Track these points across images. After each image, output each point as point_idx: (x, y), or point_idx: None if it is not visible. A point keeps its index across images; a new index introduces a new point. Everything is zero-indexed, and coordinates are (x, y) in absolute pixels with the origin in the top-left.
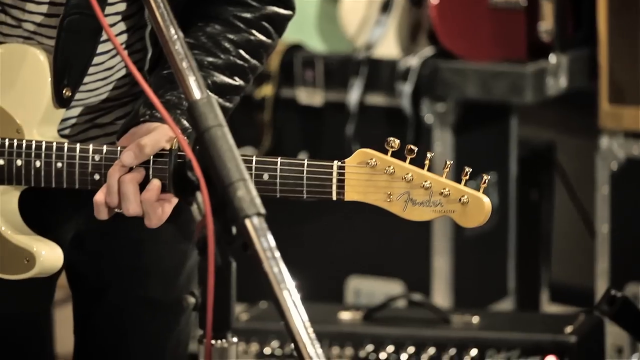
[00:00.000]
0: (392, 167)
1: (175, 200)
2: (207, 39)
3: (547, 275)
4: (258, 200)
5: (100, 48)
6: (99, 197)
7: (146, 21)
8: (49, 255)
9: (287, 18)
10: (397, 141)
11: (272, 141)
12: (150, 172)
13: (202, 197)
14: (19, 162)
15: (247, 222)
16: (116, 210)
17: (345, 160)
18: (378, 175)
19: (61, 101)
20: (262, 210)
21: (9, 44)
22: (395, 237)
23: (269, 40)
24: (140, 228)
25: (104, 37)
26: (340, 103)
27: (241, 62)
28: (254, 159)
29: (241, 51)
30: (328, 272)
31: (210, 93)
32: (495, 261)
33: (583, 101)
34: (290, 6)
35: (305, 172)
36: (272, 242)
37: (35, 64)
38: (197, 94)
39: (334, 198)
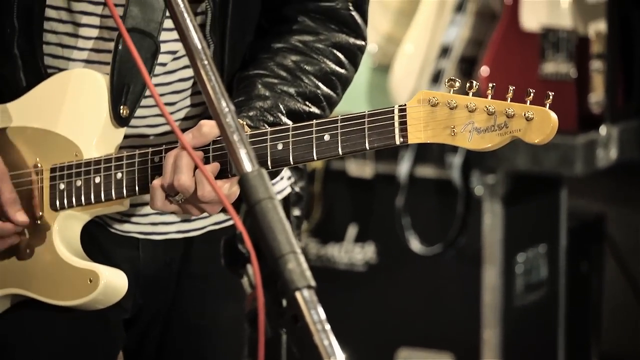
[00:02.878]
0: (453, 101)
1: (236, 189)
2: (279, 68)
3: (597, 347)
4: (308, 273)
5: (161, 69)
6: (156, 181)
7: (209, 43)
8: (113, 276)
9: (359, 48)
10: (458, 81)
11: (321, 213)
12: (210, 159)
13: (253, 269)
14: (78, 183)
15: (298, 294)
16: (171, 201)
17: (406, 102)
18: (440, 111)
19: (119, 120)
20: (313, 283)
21: (67, 70)
22: (444, 309)
23: (341, 70)
24: (200, 313)
25: (165, 59)
26: (390, 175)
27: (314, 89)
28: (314, 122)
29: (313, 79)
30: (378, 344)
31: (260, 167)
32: (545, 333)
33: (633, 172)
34: (361, 35)
35: (366, 122)
36: (323, 315)
37: (93, 86)
38: (248, 166)
39: (398, 142)
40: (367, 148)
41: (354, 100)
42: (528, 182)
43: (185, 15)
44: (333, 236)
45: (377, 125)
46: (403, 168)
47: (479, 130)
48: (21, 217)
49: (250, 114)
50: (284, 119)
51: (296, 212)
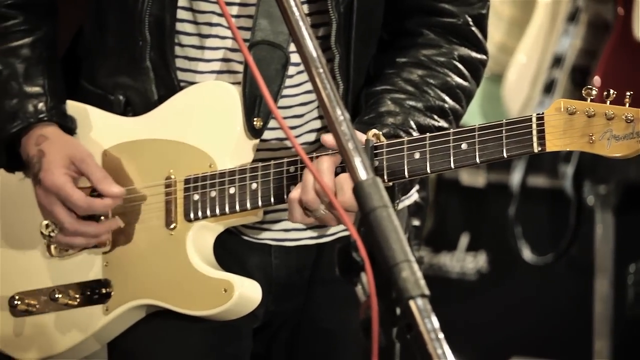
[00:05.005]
0: (591, 109)
1: None
2: (406, 83)
3: None
4: (422, 282)
5: (289, 81)
6: (293, 194)
7: (334, 54)
8: (248, 286)
9: (481, 61)
10: (595, 89)
11: (434, 221)
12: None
13: (367, 277)
14: (213, 194)
15: (412, 303)
16: (309, 213)
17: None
18: (577, 119)
19: (253, 132)
20: (427, 292)
21: (199, 83)
22: (556, 318)
23: (465, 83)
24: (330, 319)
25: (291, 71)
26: (503, 184)
27: (441, 103)
28: (451, 131)
29: (439, 92)
30: (489, 353)
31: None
32: None
33: None
34: (482, 49)
35: (504, 131)
36: (436, 324)
37: (226, 98)
38: (362, 174)
39: (536, 150)
40: (505, 156)
41: (468, 110)
42: None
43: (301, 23)
44: (445, 245)
45: (515, 133)
46: (515, 177)
47: (617, 138)
48: (116, 188)
49: (384, 131)
50: (415, 134)
51: (415, 222)
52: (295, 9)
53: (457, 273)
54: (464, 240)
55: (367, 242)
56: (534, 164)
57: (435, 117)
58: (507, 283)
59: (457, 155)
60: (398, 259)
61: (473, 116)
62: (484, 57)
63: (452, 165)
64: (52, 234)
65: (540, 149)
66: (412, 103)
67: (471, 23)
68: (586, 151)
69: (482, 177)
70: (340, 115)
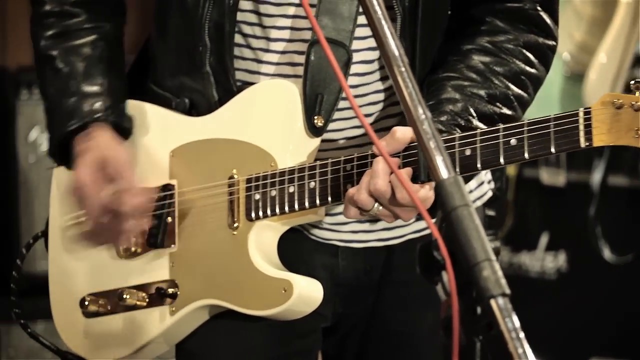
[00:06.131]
0: (638, 103)
1: (431, 194)
2: (469, 70)
3: None
4: (503, 281)
5: (358, 80)
6: (350, 191)
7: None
8: (308, 286)
9: (550, 47)
10: None
11: (513, 220)
12: (401, 166)
13: (448, 276)
14: (273, 193)
15: (492, 302)
16: (364, 212)
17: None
18: (624, 113)
19: (314, 130)
20: (507, 291)
21: (260, 82)
22: (636, 318)
23: (531, 70)
24: (401, 320)
25: (361, 69)
26: (583, 183)
27: (504, 90)
28: (501, 126)
29: (504, 80)
30: (569, 353)
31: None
32: None
33: None
34: (551, 35)
35: (552, 126)
36: (517, 323)
37: (287, 96)
38: (444, 173)
39: (582, 145)
40: (553, 152)
41: (549, 108)
42: None
43: (383, 22)
44: (525, 244)
45: (563, 128)
46: (596, 176)
47: None
48: (136, 200)
49: (442, 118)
50: (475, 122)
51: (490, 212)
52: (377, 7)
53: (536, 272)
54: (544, 239)
55: (448, 241)
56: (614, 163)
57: (499, 104)
58: (586, 282)
59: (506, 151)
60: (479, 258)
61: None
62: (552, 43)
63: (502, 161)
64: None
65: (587, 144)
66: (474, 90)
67: (539, 8)
68: (632, 146)
69: (562, 176)
70: (422, 114)
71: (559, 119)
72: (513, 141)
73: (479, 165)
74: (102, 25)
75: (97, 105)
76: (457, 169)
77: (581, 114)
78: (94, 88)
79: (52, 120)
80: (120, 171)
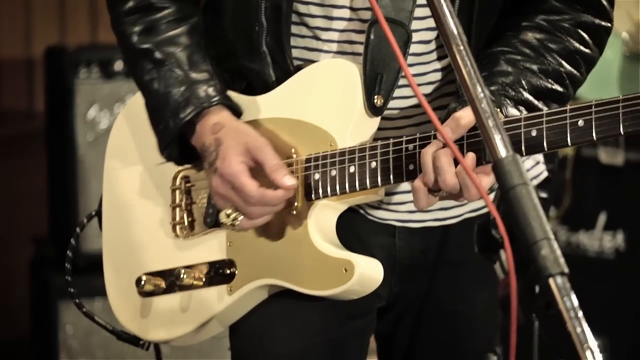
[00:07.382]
0: None
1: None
2: (523, 45)
3: None
4: (562, 260)
5: (417, 59)
6: (417, 181)
7: None
8: (368, 266)
9: (605, 29)
10: None
11: (571, 200)
12: (465, 148)
13: (506, 255)
14: (333, 172)
15: (551, 281)
16: (435, 195)
17: None
18: None
19: (374, 110)
20: (566, 270)
21: (319, 62)
22: None
23: (586, 50)
24: (456, 300)
25: (420, 49)
26: None
27: (557, 67)
28: (568, 107)
29: (557, 57)
30: (628, 334)
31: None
32: None
33: None
34: (607, 17)
35: (620, 107)
36: (576, 302)
37: (346, 75)
38: (502, 152)
39: None
40: (622, 133)
41: (606, 88)
42: None
43: (442, 1)
44: (583, 224)
45: (632, 110)
46: None
47: None
48: (290, 181)
49: (492, 88)
50: (526, 95)
51: (542, 194)
52: None
53: (594, 252)
54: (602, 218)
55: (507, 220)
56: None
57: (551, 80)
58: None
59: (574, 132)
60: (537, 237)
61: (612, 95)
62: (608, 24)
63: (569, 142)
64: (235, 222)
65: None
66: (527, 65)
67: None
68: None
69: (621, 156)
70: (481, 92)
71: (627, 99)
72: (580, 122)
73: (545, 146)
74: (192, 14)
75: (211, 90)
76: (523, 150)
77: None
78: (203, 74)
79: (162, 114)
80: (266, 152)
